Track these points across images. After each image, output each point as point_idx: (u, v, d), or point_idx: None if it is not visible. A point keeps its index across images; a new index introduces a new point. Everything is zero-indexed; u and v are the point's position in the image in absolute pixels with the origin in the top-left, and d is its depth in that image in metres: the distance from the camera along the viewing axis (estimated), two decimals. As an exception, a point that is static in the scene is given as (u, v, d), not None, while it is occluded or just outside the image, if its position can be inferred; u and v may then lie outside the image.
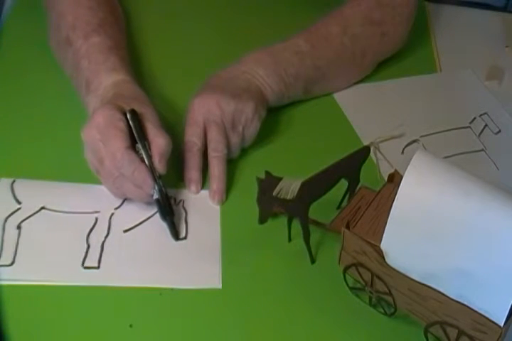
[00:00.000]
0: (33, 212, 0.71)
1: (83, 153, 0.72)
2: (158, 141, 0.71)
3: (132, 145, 0.70)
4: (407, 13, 0.91)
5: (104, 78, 0.77)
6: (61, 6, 0.85)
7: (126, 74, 0.79)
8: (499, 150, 0.85)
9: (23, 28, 0.92)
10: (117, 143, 0.69)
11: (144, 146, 0.71)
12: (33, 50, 0.89)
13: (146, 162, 0.70)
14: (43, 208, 0.72)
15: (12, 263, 0.67)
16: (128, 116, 0.71)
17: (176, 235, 0.71)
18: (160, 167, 0.71)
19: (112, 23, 0.85)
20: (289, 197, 0.64)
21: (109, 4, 0.88)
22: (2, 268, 0.66)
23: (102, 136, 0.69)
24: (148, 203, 0.73)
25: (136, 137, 0.71)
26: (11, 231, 0.69)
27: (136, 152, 0.70)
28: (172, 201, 0.74)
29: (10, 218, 0.70)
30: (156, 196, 0.70)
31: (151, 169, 0.70)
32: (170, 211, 0.71)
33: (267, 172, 0.65)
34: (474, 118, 0.88)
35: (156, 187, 0.70)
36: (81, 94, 0.79)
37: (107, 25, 0.83)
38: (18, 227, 0.70)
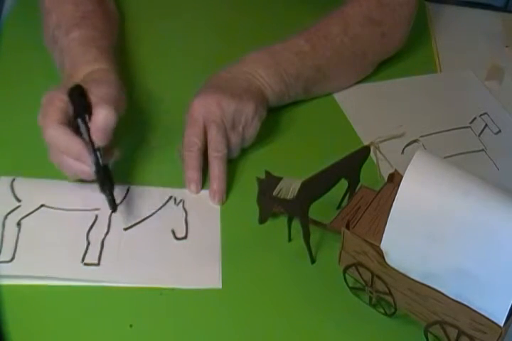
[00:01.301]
0: (32, 209, 0.71)
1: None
2: (98, 112, 0.69)
3: (74, 121, 0.70)
4: (407, 13, 0.91)
5: (81, 70, 0.77)
6: (47, 3, 0.85)
7: (104, 63, 0.78)
8: (499, 150, 0.85)
9: (23, 28, 0.92)
10: (49, 120, 0.68)
11: (83, 119, 0.70)
12: (33, 50, 0.89)
13: (85, 135, 0.69)
14: (42, 205, 0.72)
15: (12, 259, 0.67)
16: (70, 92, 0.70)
17: (113, 207, 0.70)
18: (96, 138, 0.69)
19: (98, 13, 0.85)
20: (289, 197, 0.64)
21: None
22: (2, 264, 0.66)
23: (42, 117, 0.70)
24: (150, 201, 0.73)
25: (76, 111, 0.70)
26: (10, 227, 0.69)
27: (78, 128, 0.70)
28: (172, 201, 0.74)
29: (10, 215, 0.70)
30: (93, 168, 0.69)
31: (90, 141, 0.69)
32: (109, 182, 0.70)
33: (267, 172, 0.65)
34: (474, 118, 0.88)
35: (93, 158, 0.69)
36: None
37: (91, 16, 0.83)
38: (18, 224, 0.70)
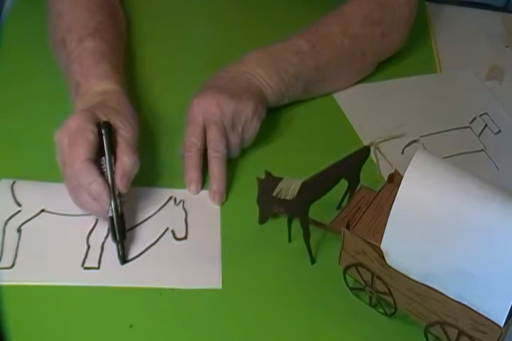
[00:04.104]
0: (33, 214, 0.71)
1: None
2: (125, 159, 0.69)
3: (98, 158, 0.69)
4: (407, 13, 0.91)
5: (93, 84, 0.77)
6: (60, 6, 0.84)
7: (116, 82, 0.78)
8: (499, 150, 0.85)
9: (23, 28, 0.92)
10: (79, 153, 0.67)
11: (109, 160, 0.69)
12: (33, 49, 0.89)
13: (108, 177, 0.68)
14: (43, 211, 0.72)
15: (12, 266, 0.67)
16: (101, 128, 0.70)
17: (123, 259, 0.68)
18: (120, 184, 0.68)
19: (110, 27, 0.85)
20: (289, 197, 0.64)
21: (109, 7, 0.87)
22: (2, 270, 0.66)
23: (69, 141, 0.68)
24: (150, 202, 0.73)
25: (105, 150, 0.69)
26: (11, 234, 0.69)
27: (101, 165, 0.69)
28: (172, 201, 0.74)
29: (10, 221, 0.70)
30: (110, 214, 0.68)
31: (112, 185, 0.68)
32: (122, 232, 0.68)
33: (267, 173, 0.65)
34: (474, 118, 0.88)
35: (113, 205, 0.68)
36: (71, 96, 0.78)
37: (104, 29, 0.83)
38: (19, 230, 0.70)
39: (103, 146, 0.69)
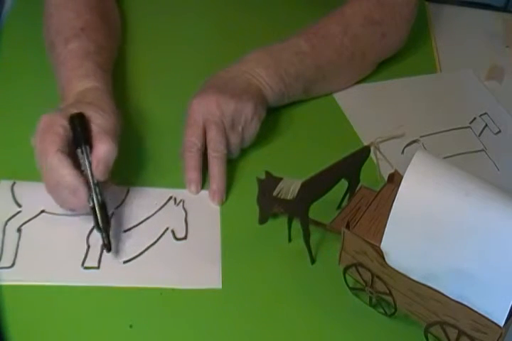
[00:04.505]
0: (33, 215, 0.71)
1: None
2: (100, 147, 0.68)
3: (73, 151, 0.68)
4: (407, 13, 0.91)
5: (74, 85, 0.76)
6: (50, 8, 0.85)
7: (96, 80, 0.76)
8: (499, 150, 0.85)
9: (23, 28, 0.92)
10: (48, 146, 0.66)
11: (84, 150, 0.68)
12: (33, 50, 0.89)
13: (86, 167, 0.68)
14: (43, 212, 0.72)
15: (12, 265, 0.67)
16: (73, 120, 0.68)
17: (108, 247, 0.67)
18: (96, 172, 0.67)
19: (99, 25, 0.84)
20: (289, 197, 0.64)
21: (99, 6, 0.86)
22: (2, 269, 0.66)
23: (39, 139, 0.68)
24: (149, 202, 0.73)
25: (77, 141, 0.68)
26: (11, 234, 0.69)
27: (78, 157, 0.68)
28: (172, 201, 0.74)
29: (10, 221, 0.70)
30: (90, 204, 0.67)
31: (91, 175, 0.67)
32: (105, 221, 0.68)
33: (267, 173, 0.65)
34: (474, 118, 0.88)
35: (93, 195, 0.67)
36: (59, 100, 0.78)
37: (91, 28, 0.82)
38: (19, 230, 0.70)
39: (78, 139, 0.68)
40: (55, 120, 0.69)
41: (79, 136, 0.68)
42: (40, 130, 0.68)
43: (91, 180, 0.68)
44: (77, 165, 0.68)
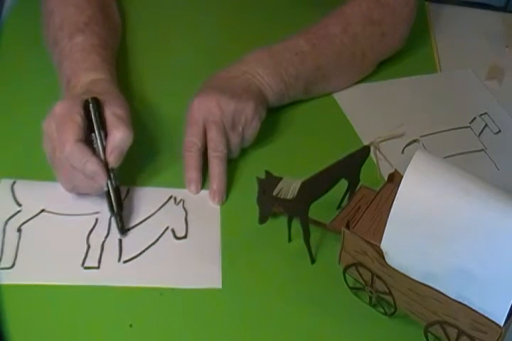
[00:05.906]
0: (33, 214, 0.71)
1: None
2: (115, 133, 0.69)
3: (88, 136, 0.69)
4: (407, 13, 0.91)
5: (82, 77, 0.76)
6: (50, 4, 0.85)
7: (104, 73, 0.78)
8: (499, 150, 0.85)
9: (23, 28, 0.92)
10: (68, 135, 0.68)
11: (99, 136, 0.69)
12: (33, 49, 0.89)
13: (100, 152, 0.69)
14: (43, 211, 0.72)
15: (12, 266, 0.67)
16: (90, 105, 0.70)
17: (122, 230, 0.70)
18: (111, 159, 0.69)
19: (100, 20, 0.84)
20: (289, 197, 0.64)
21: (100, 1, 0.87)
22: (2, 270, 0.66)
23: (57, 126, 0.69)
24: (149, 201, 0.73)
25: (94, 126, 0.69)
26: (11, 234, 0.69)
27: (92, 143, 0.69)
28: (172, 201, 0.74)
29: (10, 221, 0.70)
30: (105, 188, 0.69)
31: (105, 160, 0.69)
32: (119, 204, 0.70)
33: (267, 172, 0.65)
34: (474, 118, 0.88)
35: (108, 180, 0.69)
36: (62, 92, 0.78)
37: (94, 23, 0.83)
38: (19, 230, 0.70)
39: (92, 124, 0.69)
40: (73, 107, 0.69)
41: (96, 122, 0.70)
42: (57, 117, 0.69)
43: (106, 165, 0.69)
44: (92, 151, 0.69)
